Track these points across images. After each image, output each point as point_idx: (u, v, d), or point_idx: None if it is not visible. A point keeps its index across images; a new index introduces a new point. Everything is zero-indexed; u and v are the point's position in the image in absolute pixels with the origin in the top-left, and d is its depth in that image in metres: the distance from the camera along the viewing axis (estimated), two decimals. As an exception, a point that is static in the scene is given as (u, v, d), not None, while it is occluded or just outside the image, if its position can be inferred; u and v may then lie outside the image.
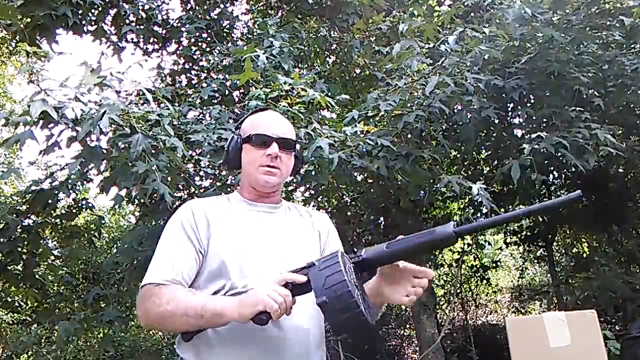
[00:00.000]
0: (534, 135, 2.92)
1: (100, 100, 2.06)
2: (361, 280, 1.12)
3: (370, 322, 1.00)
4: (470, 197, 4.65)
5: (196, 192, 3.35)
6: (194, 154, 3.13)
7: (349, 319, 0.98)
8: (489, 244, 6.62)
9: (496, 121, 3.66)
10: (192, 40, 4.44)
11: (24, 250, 3.28)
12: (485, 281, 6.18)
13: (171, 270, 1.24)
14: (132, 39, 4.41)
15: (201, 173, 3.25)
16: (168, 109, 2.36)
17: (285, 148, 1.36)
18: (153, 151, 2.20)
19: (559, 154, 2.82)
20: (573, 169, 2.91)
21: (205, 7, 4.53)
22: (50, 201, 3.13)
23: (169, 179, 2.41)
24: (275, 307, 1.07)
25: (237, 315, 1.12)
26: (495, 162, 4.63)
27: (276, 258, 1.29)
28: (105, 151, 2.30)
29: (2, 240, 3.14)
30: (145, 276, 1.26)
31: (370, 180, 4.34)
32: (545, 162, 3.61)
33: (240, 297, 1.16)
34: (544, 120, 3.40)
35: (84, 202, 3.64)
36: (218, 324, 1.17)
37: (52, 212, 3.36)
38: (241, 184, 1.44)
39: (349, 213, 5.24)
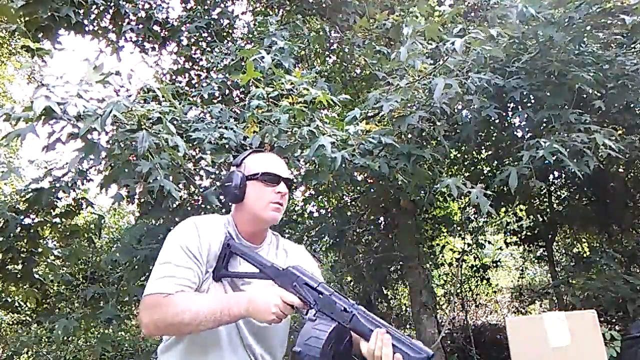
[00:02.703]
0: (532, 142, 2.90)
1: (103, 99, 2.06)
2: (344, 343, 1.27)
3: None
4: (470, 197, 4.64)
5: (196, 191, 3.35)
6: (194, 152, 3.13)
7: None
8: (490, 243, 6.61)
9: (496, 121, 3.66)
10: (192, 39, 4.44)
11: (23, 249, 3.28)
12: (485, 281, 6.18)
13: (178, 283, 1.31)
14: (131, 38, 4.41)
15: (201, 172, 3.25)
16: (172, 105, 2.35)
17: (289, 188, 1.51)
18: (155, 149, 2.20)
19: (558, 159, 2.81)
20: (573, 169, 2.90)
21: (206, 6, 4.53)
22: (50, 199, 3.12)
23: (171, 178, 2.40)
24: (278, 321, 1.27)
25: (249, 316, 1.29)
26: (495, 162, 4.62)
27: None
28: (106, 150, 2.29)
29: (1, 238, 3.13)
30: (151, 285, 1.31)
31: (370, 180, 4.34)
32: (545, 162, 3.62)
33: (254, 303, 1.28)
34: (544, 122, 3.40)
35: (83, 202, 3.63)
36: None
37: (52, 211, 3.36)
38: (239, 216, 1.50)
39: (349, 213, 5.24)
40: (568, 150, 2.82)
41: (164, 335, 1.33)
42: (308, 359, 1.18)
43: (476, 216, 5.66)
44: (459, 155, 4.85)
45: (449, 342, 5.67)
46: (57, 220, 3.45)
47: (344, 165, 2.69)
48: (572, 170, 2.87)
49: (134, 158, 2.28)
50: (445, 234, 6.09)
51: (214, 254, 1.40)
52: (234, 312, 1.28)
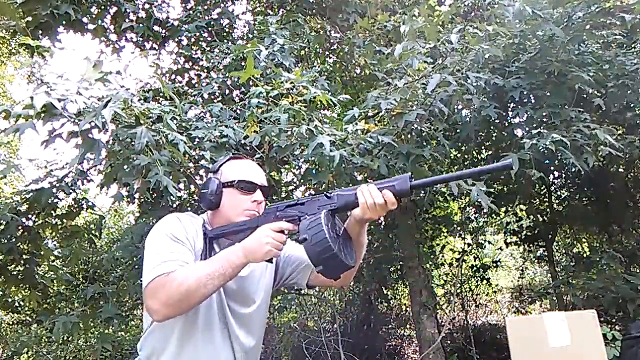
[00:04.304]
0: (534, 132, 2.91)
1: (102, 97, 2.06)
2: (337, 225, 1.39)
3: (337, 254, 1.25)
4: (470, 196, 4.64)
5: (196, 191, 3.34)
6: (194, 152, 3.13)
7: (322, 252, 1.25)
8: (490, 243, 6.61)
9: (496, 121, 3.66)
10: (192, 39, 4.44)
11: (25, 251, 3.27)
12: (485, 281, 6.18)
13: (176, 262, 1.31)
14: (132, 38, 4.41)
15: (201, 172, 3.25)
16: (172, 104, 2.35)
17: (265, 196, 1.52)
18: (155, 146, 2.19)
19: (559, 153, 2.82)
20: (573, 169, 2.91)
21: (206, 6, 4.53)
22: (50, 201, 3.12)
23: (171, 176, 2.40)
24: (276, 252, 1.33)
25: (250, 261, 1.32)
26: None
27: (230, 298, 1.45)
28: (106, 147, 2.29)
29: (2, 240, 3.13)
30: (148, 275, 1.29)
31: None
32: (546, 162, 3.61)
33: (248, 246, 1.32)
34: (544, 120, 3.40)
35: (84, 202, 3.62)
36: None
37: (53, 211, 3.35)
38: (214, 220, 1.50)
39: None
40: (569, 145, 2.82)
41: (175, 315, 1.29)
42: (316, 239, 1.24)
43: (476, 216, 5.66)
44: (459, 155, 4.85)
45: (449, 342, 5.66)
46: (58, 221, 3.45)
47: (343, 164, 2.69)
48: (572, 169, 2.87)
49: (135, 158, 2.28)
50: (445, 234, 6.08)
51: (199, 249, 1.42)
52: (234, 262, 1.30)
